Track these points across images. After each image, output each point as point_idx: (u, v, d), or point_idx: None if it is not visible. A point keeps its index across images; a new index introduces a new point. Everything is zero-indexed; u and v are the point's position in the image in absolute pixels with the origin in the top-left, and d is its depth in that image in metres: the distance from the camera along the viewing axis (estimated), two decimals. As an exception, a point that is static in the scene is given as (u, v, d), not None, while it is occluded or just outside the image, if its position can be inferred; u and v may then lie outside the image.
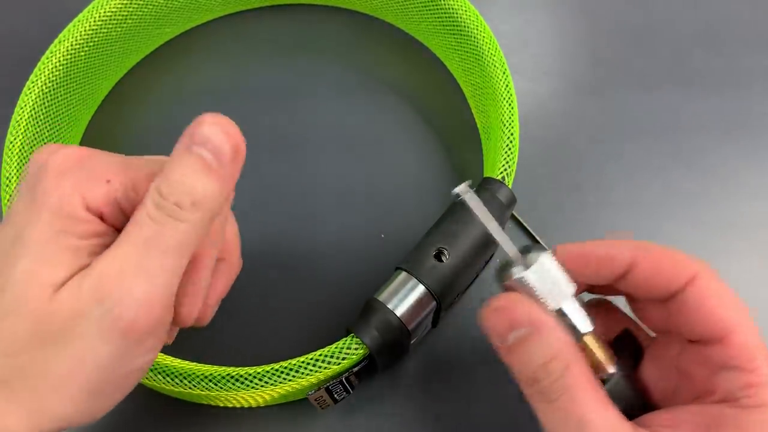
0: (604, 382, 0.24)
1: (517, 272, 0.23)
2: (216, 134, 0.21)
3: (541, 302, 0.23)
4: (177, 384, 0.29)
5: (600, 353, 0.24)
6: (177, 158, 0.21)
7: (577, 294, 0.24)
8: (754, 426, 0.21)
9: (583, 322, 0.24)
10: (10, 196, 0.34)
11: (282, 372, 0.28)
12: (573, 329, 0.23)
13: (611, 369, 0.24)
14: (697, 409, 0.22)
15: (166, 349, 0.31)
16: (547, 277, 0.23)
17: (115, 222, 0.22)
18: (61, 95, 0.37)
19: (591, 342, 0.24)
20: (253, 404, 0.31)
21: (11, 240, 0.21)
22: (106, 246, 0.21)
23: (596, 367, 0.24)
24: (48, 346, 0.20)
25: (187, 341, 0.34)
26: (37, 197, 0.21)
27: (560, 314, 0.23)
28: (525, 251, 0.23)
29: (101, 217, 0.22)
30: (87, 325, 0.20)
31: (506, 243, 0.24)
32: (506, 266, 0.24)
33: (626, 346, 0.26)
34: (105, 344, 0.20)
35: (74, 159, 0.22)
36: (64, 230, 0.21)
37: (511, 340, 0.22)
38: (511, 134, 0.34)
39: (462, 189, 0.24)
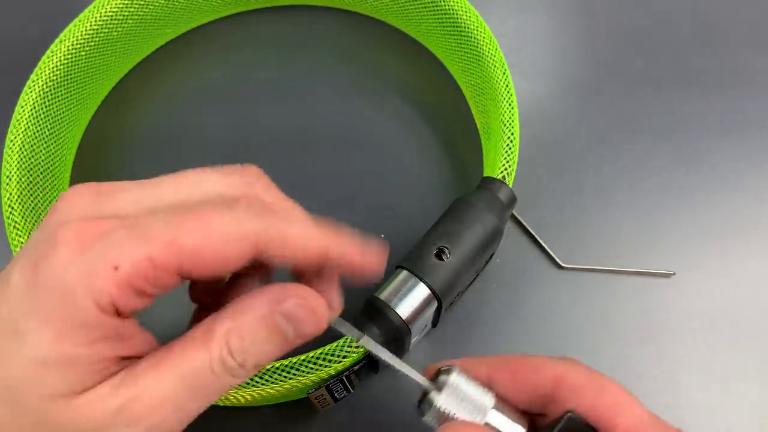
0: None
1: (434, 400, 0.22)
2: (304, 313, 0.21)
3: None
4: (177, 383, 0.29)
5: None
6: (258, 320, 0.20)
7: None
8: None
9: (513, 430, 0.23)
10: (9, 196, 0.34)
11: (282, 370, 0.28)
12: None
13: None
14: None
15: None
16: (462, 397, 0.22)
17: (130, 304, 0.19)
18: (61, 95, 0.37)
19: None
20: (254, 403, 0.31)
21: (6, 328, 0.19)
22: (118, 348, 0.20)
23: None
24: None
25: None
26: (38, 282, 0.19)
27: (490, 428, 0.22)
28: (434, 377, 0.23)
29: (114, 305, 0.19)
30: None
31: (413, 374, 0.23)
32: (422, 399, 0.23)
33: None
34: None
35: (83, 234, 0.19)
36: (65, 332, 0.19)
37: None
38: (512, 134, 0.34)
39: (357, 336, 0.24)
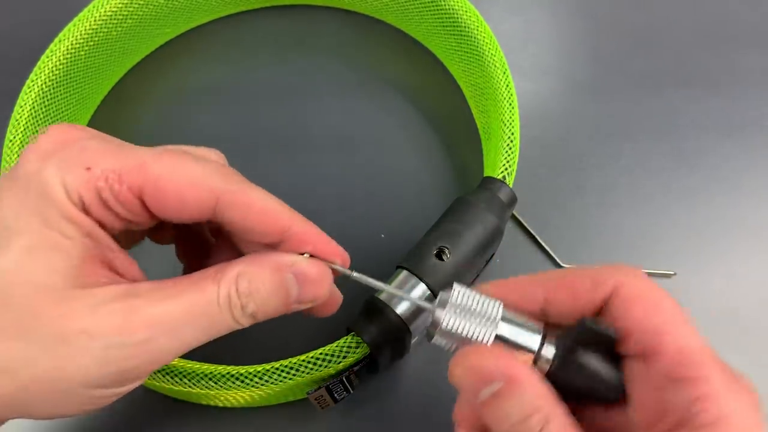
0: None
1: (438, 320, 0.21)
2: (311, 277, 0.22)
3: (475, 339, 0.21)
4: (177, 383, 0.29)
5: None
6: (270, 270, 0.21)
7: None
8: None
9: (529, 339, 0.21)
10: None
11: (282, 370, 0.28)
12: (522, 348, 0.21)
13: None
14: None
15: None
16: (467, 311, 0.21)
17: (97, 212, 0.21)
18: (60, 95, 0.37)
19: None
20: (253, 403, 0.31)
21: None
22: (91, 246, 0.21)
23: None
24: (29, 344, 0.19)
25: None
26: (19, 179, 0.21)
27: (501, 339, 0.21)
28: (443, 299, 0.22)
29: (84, 205, 0.21)
30: (91, 347, 0.19)
31: (418, 301, 0.23)
32: (430, 326, 0.22)
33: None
34: (96, 368, 0.19)
35: (59, 141, 0.21)
36: (50, 226, 0.20)
37: (484, 396, 0.20)
38: (512, 134, 0.34)
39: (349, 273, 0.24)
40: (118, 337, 0.20)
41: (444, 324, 0.21)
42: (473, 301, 0.22)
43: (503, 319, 0.21)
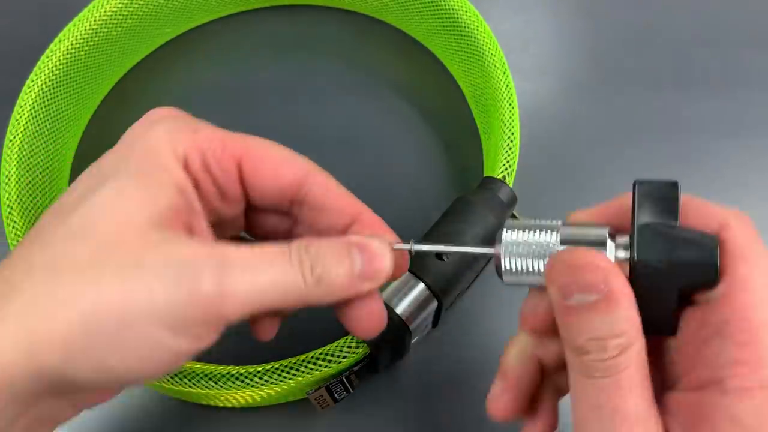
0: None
1: (501, 261, 0.21)
2: (375, 252, 0.22)
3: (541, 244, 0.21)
4: (177, 383, 0.29)
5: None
6: (337, 242, 0.22)
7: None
8: (741, 415, 0.17)
9: (598, 233, 0.20)
10: (8, 196, 0.33)
11: (282, 370, 0.28)
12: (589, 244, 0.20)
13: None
14: (679, 399, 0.19)
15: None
16: (526, 239, 0.21)
17: (197, 173, 0.22)
18: (60, 94, 0.37)
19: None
20: (253, 403, 0.31)
21: (93, 180, 0.21)
22: (180, 202, 0.21)
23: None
24: (102, 272, 0.19)
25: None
26: (125, 139, 0.22)
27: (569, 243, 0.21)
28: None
29: (186, 163, 0.22)
30: (164, 272, 0.19)
31: (471, 249, 0.24)
32: (497, 266, 0.22)
33: None
34: (164, 293, 0.19)
35: (166, 113, 0.23)
36: (147, 173, 0.21)
37: (574, 302, 0.19)
38: (512, 134, 0.34)
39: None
40: (190, 267, 0.19)
41: (507, 264, 0.21)
42: (528, 225, 0.22)
43: (565, 224, 0.21)
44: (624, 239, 0.20)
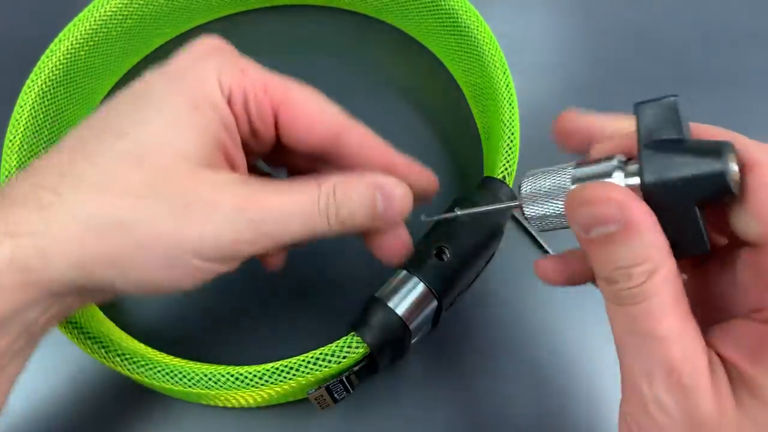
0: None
1: (524, 209, 0.23)
2: (403, 205, 0.25)
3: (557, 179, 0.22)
4: (177, 383, 0.29)
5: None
6: (364, 185, 0.24)
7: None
8: None
9: (606, 165, 0.20)
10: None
11: (282, 371, 0.28)
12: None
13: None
14: (746, 327, 0.19)
15: (166, 348, 0.31)
16: (542, 186, 0.22)
17: (238, 111, 0.23)
18: (60, 94, 0.37)
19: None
20: (253, 404, 0.31)
21: (142, 102, 0.22)
22: (224, 136, 0.23)
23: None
24: (156, 203, 0.21)
25: (186, 340, 0.34)
26: (175, 65, 0.23)
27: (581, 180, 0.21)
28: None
29: (230, 99, 0.23)
30: (213, 217, 0.21)
31: (495, 205, 0.26)
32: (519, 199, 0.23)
33: None
34: (212, 238, 0.21)
35: (214, 46, 0.24)
36: (197, 107, 0.22)
37: (595, 234, 0.19)
38: (512, 134, 0.34)
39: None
40: (237, 213, 0.21)
41: (528, 212, 0.22)
42: (544, 170, 0.23)
43: (579, 162, 0.22)
44: (635, 165, 0.20)
